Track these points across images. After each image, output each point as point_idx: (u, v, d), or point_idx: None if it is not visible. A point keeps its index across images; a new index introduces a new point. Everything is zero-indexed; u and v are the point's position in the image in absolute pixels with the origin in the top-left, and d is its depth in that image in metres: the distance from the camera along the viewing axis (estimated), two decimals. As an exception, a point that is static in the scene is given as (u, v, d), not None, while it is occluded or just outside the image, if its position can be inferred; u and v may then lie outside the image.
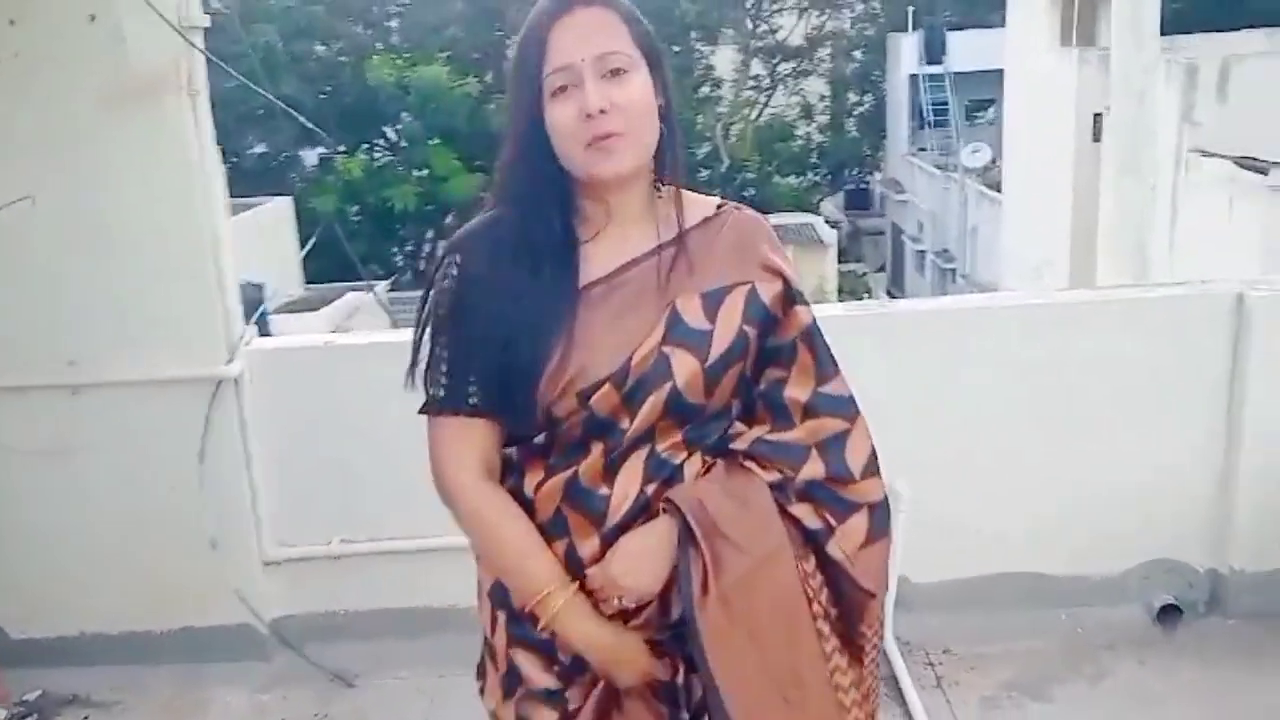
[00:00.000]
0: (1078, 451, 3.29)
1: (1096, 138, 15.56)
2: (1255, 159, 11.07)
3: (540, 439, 1.52)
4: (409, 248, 26.85)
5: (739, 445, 1.53)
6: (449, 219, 26.56)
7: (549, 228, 1.51)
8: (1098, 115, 15.40)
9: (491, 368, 1.49)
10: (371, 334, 3.66)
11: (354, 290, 16.20)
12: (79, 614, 3.35)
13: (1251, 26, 18.20)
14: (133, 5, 2.96)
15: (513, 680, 1.59)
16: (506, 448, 1.56)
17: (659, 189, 1.57)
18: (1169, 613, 3.27)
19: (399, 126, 26.40)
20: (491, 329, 1.48)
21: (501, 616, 1.60)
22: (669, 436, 1.50)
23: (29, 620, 3.36)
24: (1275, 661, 3.09)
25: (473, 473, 1.54)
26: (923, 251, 25.00)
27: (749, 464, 1.52)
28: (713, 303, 1.51)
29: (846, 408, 1.59)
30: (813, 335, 1.58)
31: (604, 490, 1.49)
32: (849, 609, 1.55)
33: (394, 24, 29.80)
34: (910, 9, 27.23)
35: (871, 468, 1.58)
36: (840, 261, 24.48)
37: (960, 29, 26.51)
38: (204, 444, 3.17)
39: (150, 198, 3.08)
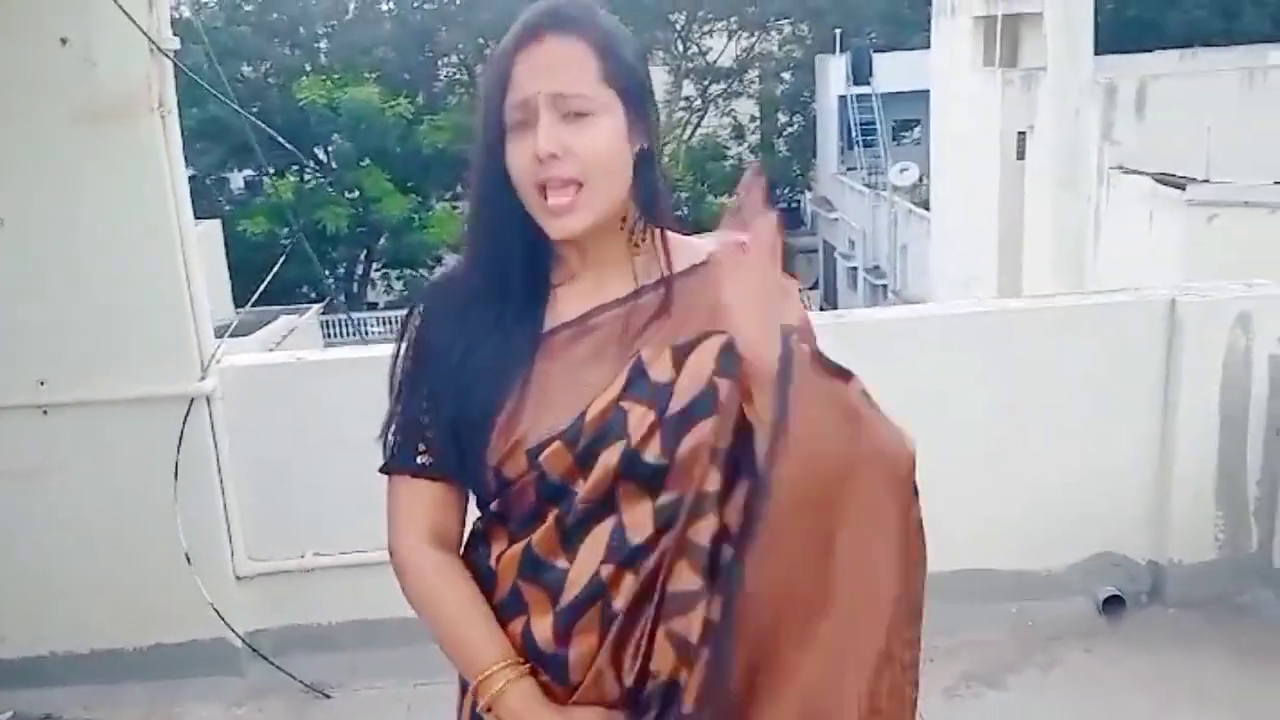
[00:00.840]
0: (1024, 453, 3.46)
1: (1020, 156, 16.03)
2: (1173, 175, 11.52)
3: (495, 505, 1.37)
4: (341, 270, 26.67)
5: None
6: (381, 240, 26.48)
7: (513, 271, 1.38)
8: (1021, 134, 15.87)
9: (444, 424, 1.37)
10: (342, 350, 3.72)
11: (286, 314, 16.10)
12: (50, 633, 3.34)
13: (1165, 48, 18.92)
14: (104, 28, 3.00)
15: None
16: (479, 515, 1.43)
17: (640, 234, 1.41)
18: (1113, 603, 3.44)
19: (330, 147, 26.26)
20: (445, 382, 1.36)
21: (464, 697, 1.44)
22: (634, 507, 1.31)
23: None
24: (1212, 647, 3.27)
25: (418, 537, 1.40)
26: (854, 268, 25.42)
27: None
28: (682, 354, 1.33)
29: None
30: None
31: (562, 563, 1.32)
32: None
33: (323, 45, 29.66)
34: (837, 31, 27.75)
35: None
36: (774, 279, 24.73)
37: (886, 51, 27.08)
38: (177, 461, 3.20)
39: (122, 217, 3.11)
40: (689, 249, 1.46)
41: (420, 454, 1.40)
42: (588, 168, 1.31)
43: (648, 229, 1.42)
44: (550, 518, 1.32)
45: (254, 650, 3.36)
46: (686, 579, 1.30)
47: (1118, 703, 3.07)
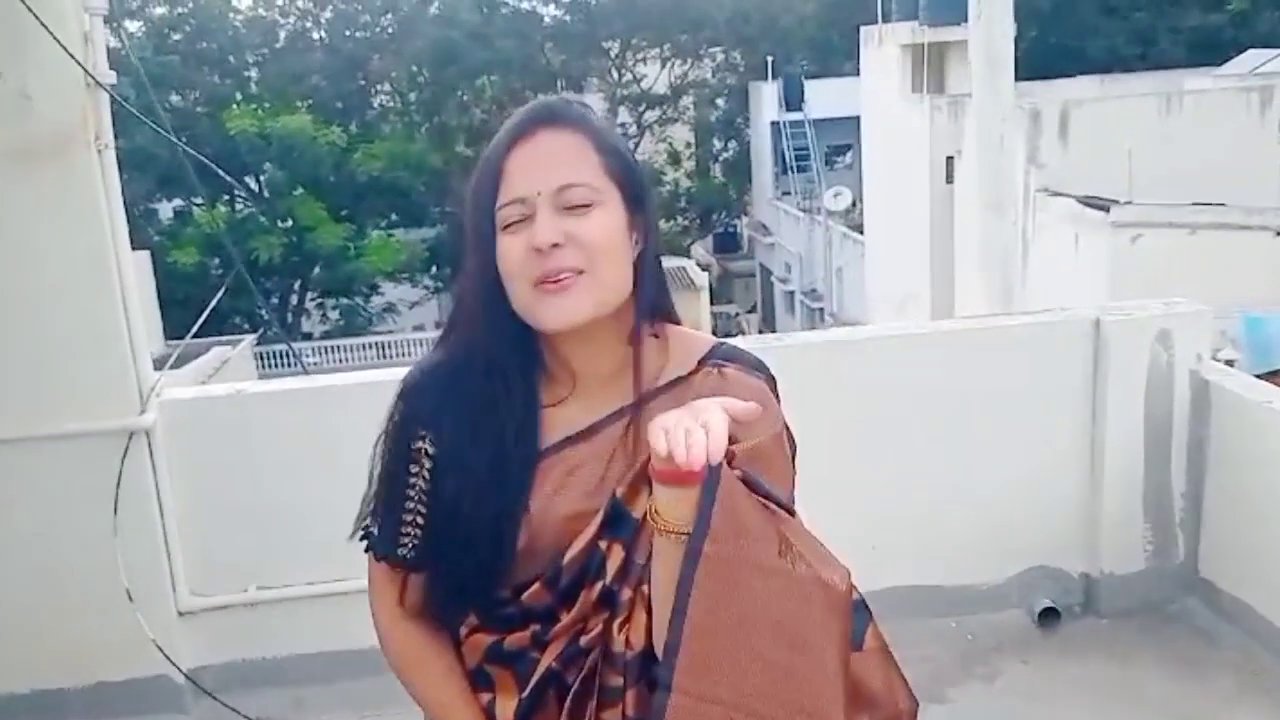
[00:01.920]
0: (959, 470, 3.55)
1: (949, 179, 16.39)
2: (1097, 197, 11.85)
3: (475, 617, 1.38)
4: (275, 300, 26.38)
5: None
6: (316, 270, 26.26)
7: (509, 388, 1.32)
8: (950, 158, 16.24)
9: (440, 536, 1.35)
10: (284, 381, 3.70)
11: (219, 345, 15.89)
12: (-13, 675, 3.28)
13: (1086, 73, 19.47)
14: (40, 62, 2.98)
15: None
16: None
17: (648, 332, 1.35)
18: (1048, 615, 3.53)
19: (261, 176, 26.01)
20: (446, 495, 1.34)
21: None
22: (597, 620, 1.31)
23: (-68, 685, 3.28)
24: (1145, 654, 3.37)
25: (396, 613, 1.42)
26: (791, 292, 25.71)
27: None
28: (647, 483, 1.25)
29: None
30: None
31: (534, 654, 1.34)
32: None
33: (253, 74, 29.38)
34: (769, 58, 28.17)
35: None
36: (713, 303, 24.98)
37: (817, 78, 27.52)
38: (117, 496, 3.17)
39: (59, 252, 3.08)
40: (686, 354, 1.38)
41: (401, 546, 1.38)
42: (591, 255, 1.25)
43: (655, 326, 1.36)
44: (530, 629, 1.33)
45: (198, 686, 3.32)
46: (612, 679, 1.30)
47: (1056, 712, 3.15)
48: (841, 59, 27.27)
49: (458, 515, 1.32)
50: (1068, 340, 3.51)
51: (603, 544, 1.28)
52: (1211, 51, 20.80)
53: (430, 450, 1.34)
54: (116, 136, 3.24)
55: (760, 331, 26.35)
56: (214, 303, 4.26)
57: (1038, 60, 19.68)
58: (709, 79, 31.80)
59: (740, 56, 31.12)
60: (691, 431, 1.15)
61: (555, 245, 1.24)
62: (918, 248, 17.25)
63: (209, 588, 3.35)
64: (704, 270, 24.83)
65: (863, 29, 20.56)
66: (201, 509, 3.31)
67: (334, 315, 27.59)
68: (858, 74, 21.34)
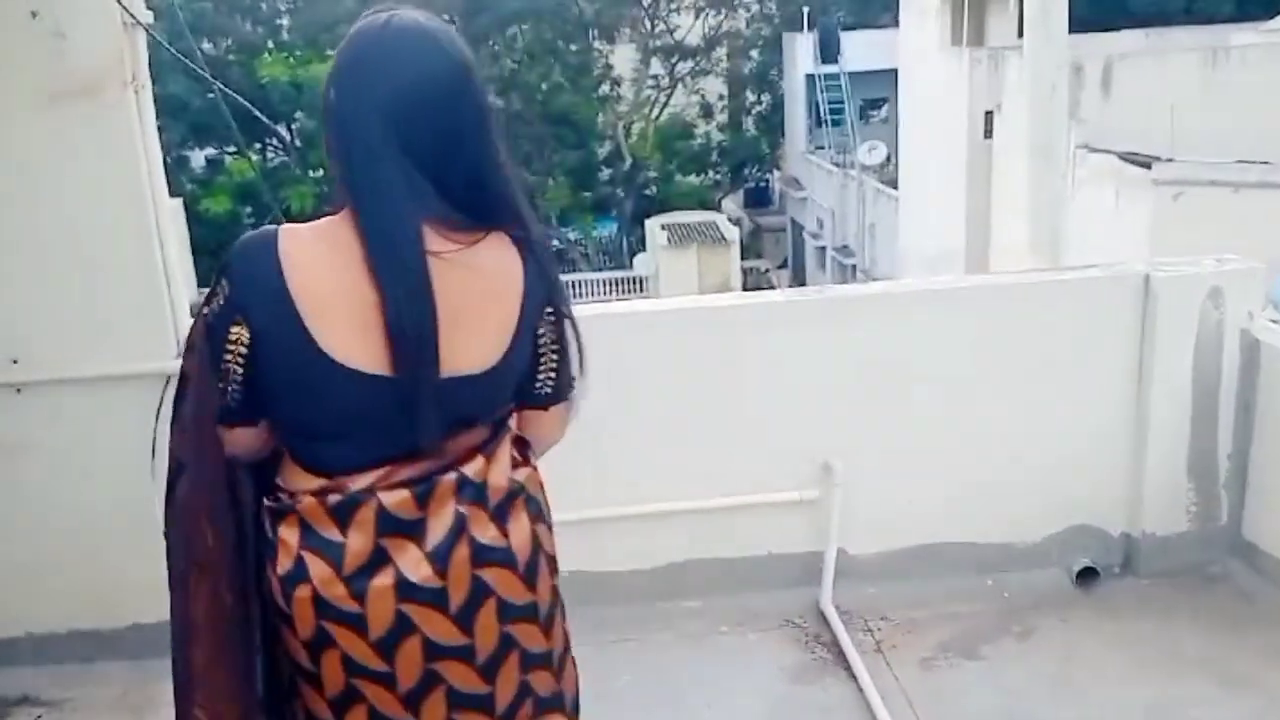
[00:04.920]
0: (1001, 427, 3.49)
1: (988, 134, 16.14)
2: (1138, 154, 11.64)
3: None
4: (308, 249, 26.42)
5: None
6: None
7: None
8: (989, 113, 15.98)
9: None
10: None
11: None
12: (26, 614, 3.30)
13: (1131, 27, 19.05)
14: (75, 1, 2.95)
15: None
16: None
17: None
18: (1087, 575, 3.49)
19: (294, 125, 26.00)
20: None
21: None
22: None
23: (-28, 623, 3.32)
24: (1184, 615, 3.33)
25: None
26: (823, 247, 25.52)
27: None
28: None
29: None
30: None
31: None
32: None
33: (285, 22, 29.29)
34: (805, 9, 27.75)
35: None
36: (743, 258, 24.88)
37: (854, 29, 27.12)
38: (154, 438, 3.17)
39: (94, 193, 3.07)
40: None
41: None
42: None
43: None
44: None
45: (233, 629, 3.34)
46: None
47: (1093, 668, 3.12)
48: (879, 10, 26.83)
49: None
50: (1116, 296, 3.43)
51: None
52: (1259, 5, 20.28)
53: None
54: (150, 83, 3.21)
55: (790, 287, 26.21)
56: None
57: (1082, 13, 19.26)
58: (743, 30, 31.40)
59: (775, 7, 30.70)
60: None
61: None
62: (953, 203, 17.04)
63: (244, 532, 3.36)
64: (735, 225, 24.71)
65: (902, -22, 20.19)
66: (237, 453, 3.31)
67: (365, 265, 27.63)
68: (895, 25, 20.99)
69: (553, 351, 1.72)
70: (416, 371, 1.55)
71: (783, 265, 29.36)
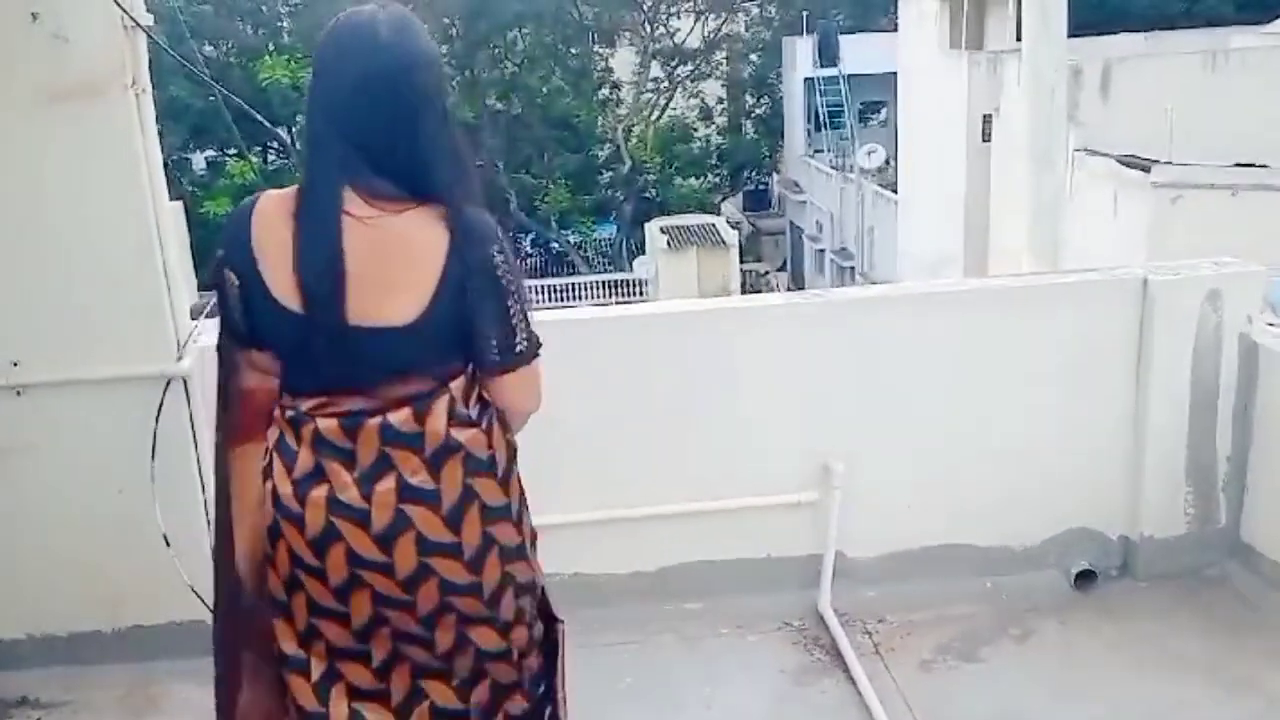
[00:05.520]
0: (1000, 429, 3.50)
1: (986, 138, 16.16)
2: (1136, 157, 11.65)
3: None
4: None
5: None
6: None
7: None
8: (987, 116, 16.00)
9: None
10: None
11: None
12: (27, 616, 3.30)
13: (1130, 30, 19.06)
14: (76, 4, 2.95)
15: None
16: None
17: None
18: (1085, 577, 3.50)
19: (294, 128, 25.98)
20: None
21: None
22: None
23: (-27, 625, 3.32)
24: (1183, 618, 3.33)
25: None
26: (822, 251, 25.54)
27: None
28: None
29: None
30: None
31: None
32: None
33: (286, 24, 29.29)
34: (804, 13, 27.78)
35: None
36: (742, 261, 24.84)
37: (853, 33, 27.14)
38: (155, 441, 3.18)
39: (95, 195, 3.07)
40: None
41: None
42: None
43: None
44: None
45: (233, 631, 3.34)
46: None
47: (1092, 671, 3.13)
48: (878, 14, 26.86)
49: None
50: (1115, 299, 3.44)
51: None
52: (1259, 8, 20.30)
53: None
54: (151, 86, 3.21)
55: (789, 290, 26.22)
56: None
57: (1081, 16, 19.30)
58: (743, 33, 31.41)
59: (775, 10, 30.71)
60: None
61: None
62: (952, 207, 17.06)
63: (244, 534, 3.36)
64: (734, 228, 24.69)
65: (901, -17, 20.20)
66: (237, 456, 3.31)
67: (364, 268, 27.61)
68: (894, 29, 21.01)
69: (494, 319, 1.92)
70: (317, 312, 1.85)
71: (782, 268, 29.36)
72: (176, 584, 3.24)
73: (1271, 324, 3.61)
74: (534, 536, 2.11)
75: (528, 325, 1.97)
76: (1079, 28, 16.91)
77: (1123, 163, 11.76)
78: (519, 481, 2.06)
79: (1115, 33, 18.78)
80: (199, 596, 3.27)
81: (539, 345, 2.00)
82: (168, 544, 3.22)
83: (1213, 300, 3.38)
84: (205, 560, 3.29)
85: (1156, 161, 11.40)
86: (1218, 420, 3.45)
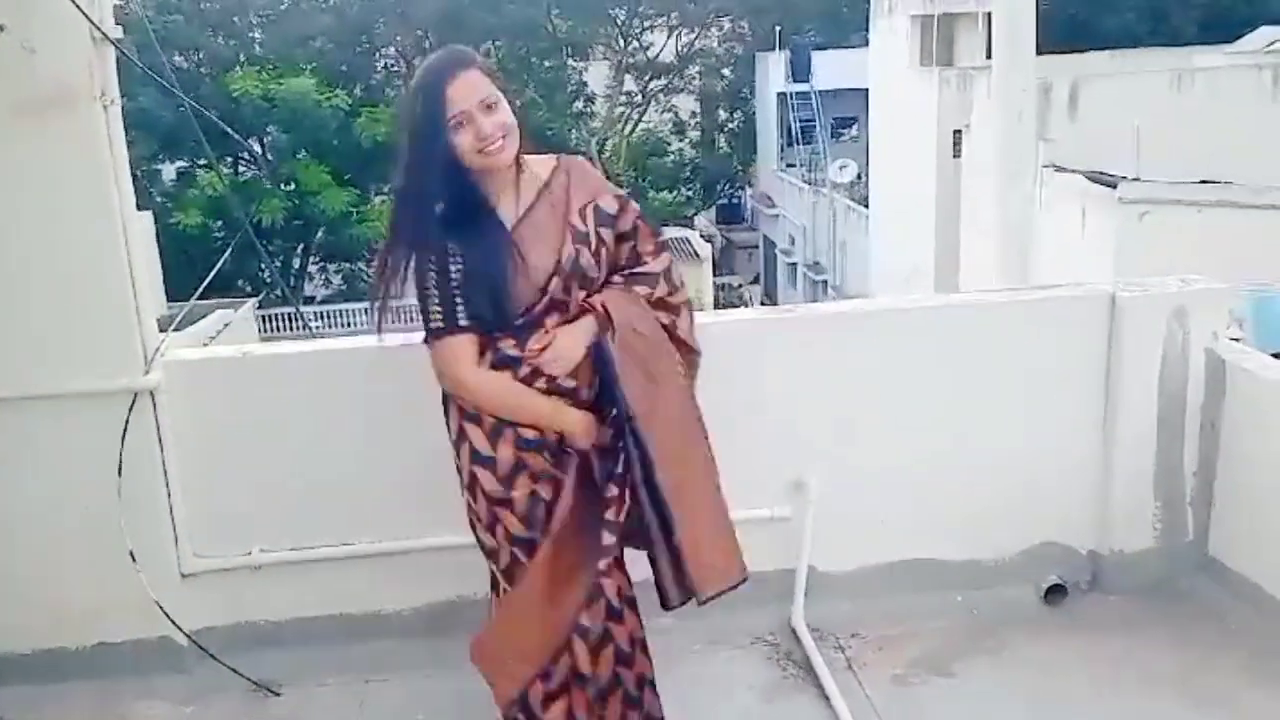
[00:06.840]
0: (970, 444, 3.51)
1: (956, 153, 16.30)
2: (1104, 173, 11.78)
3: (520, 320, 2.44)
4: (278, 263, 26.25)
5: (619, 279, 2.57)
6: (319, 234, 26.11)
7: (474, 205, 2.46)
8: (957, 132, 16.14)
9: (482, 294, 2.40)
10: (289, 344, 3.66)
11: (220, 308, 15.84)
12: (-11, 634, 3.26)
13: (1098, 48, 19.29)
14: (44, 13, 2.93)
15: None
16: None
17: (521, 165, 2.53)
18: (1055, 591, 3.51)
19: (265, 139, 25.84)
20: (473, 270, 2.41)
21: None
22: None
23: (-66, 643, 3.26)
24: (1152, 630, 3.35)
25: (474, 366, 2.43)
26: (794, 264, 25.64)
27: (631, 285, 2.57)
28: (583, 213, 2.52)
29: (667, 250, 2.68)
30: (644, 217, 2.63)
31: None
32: (689, 366, 2.72)
33: (257, 35, 29.19)
34: (777, 28, 27.94)
35: (682, 283, 2.68)
36: (715, 274, 24.93)
37: (825, 49, 27.31)
38: (121, 457, 3.14)
39: (63, 207, 3.04)
40: (544, 162, 2.60)
41: (459, 317, 2.42)
42: (508, 129, 2.45)
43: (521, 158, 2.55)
44: (551, 321, 2.48)
45: (200, 648, 3.31)
46: None
47: (1064, 686, 3.14)
48: (850, 30, 27.02)
49: (485, 281, 2.41)
50: (1083, 315, 3.46)
51: (576, 247, 2.50)
52: (1224, 28, 20.63)
53: (457, 253, 2.41)
54: (120, 96, 3.19)
55: (762, 303, 26.29)
56: (220, 264, 4.23)
57: (1049, 34, 19.51)
58: (716, 48, 31.58)
59: (748, 26, 30.88)
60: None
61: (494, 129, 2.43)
62: (923, 222, 17.18)
63: (212, 550, 3.33)
64: (707, 241, 24.78)
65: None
66: (205, 470, 3.28)
67: (336, 280, 27.51)
68: (866, 45, 21.17)
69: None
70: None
71: (755, 281, 29.47)
72: (143, 600, 3.21)
73: (1236, 339, 3.65)
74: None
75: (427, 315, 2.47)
76: (1048, 46, 17.11)
77: (1090, 179, 11.88)
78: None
79: (1084, 51, 19.01)
80: (165, 614, 3.25)
81: (434, 333, 2.46)
82: (134, 561, 3.18)
83: (1179, 317, 3.41)
84: (172, 576, 3.28)
85: (1124, 178, 11.53)
86: (1185, 435, 3.48)
